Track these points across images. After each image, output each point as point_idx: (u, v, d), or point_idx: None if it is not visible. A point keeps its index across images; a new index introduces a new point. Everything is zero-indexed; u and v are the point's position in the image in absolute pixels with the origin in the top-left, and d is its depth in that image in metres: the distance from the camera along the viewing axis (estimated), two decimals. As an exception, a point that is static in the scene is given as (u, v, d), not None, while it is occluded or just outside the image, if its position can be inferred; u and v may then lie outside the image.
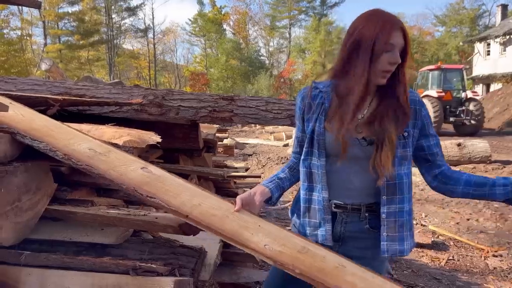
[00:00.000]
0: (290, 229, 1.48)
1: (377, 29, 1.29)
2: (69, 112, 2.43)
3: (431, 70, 17.43)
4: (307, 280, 1.19)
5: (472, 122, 15.88)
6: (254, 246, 1.26)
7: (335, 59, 1.47)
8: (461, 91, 16.70)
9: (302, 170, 1.50)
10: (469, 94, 16.51)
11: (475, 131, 15.86)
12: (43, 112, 2.19)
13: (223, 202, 1.45)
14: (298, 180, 1.60)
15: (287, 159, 10.14)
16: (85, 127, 2.01)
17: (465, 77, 17.35)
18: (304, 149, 1.49)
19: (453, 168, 1.51)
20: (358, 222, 1.44)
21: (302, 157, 1.50)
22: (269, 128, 16.99)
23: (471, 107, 15.93)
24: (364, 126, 1.38)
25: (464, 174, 1.43)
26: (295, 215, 1.59)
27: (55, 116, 2.20)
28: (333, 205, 1.44)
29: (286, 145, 13.38)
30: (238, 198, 1.41)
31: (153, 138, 1.99)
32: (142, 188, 1.47)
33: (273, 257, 1.23)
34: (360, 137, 1.38)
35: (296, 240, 1.32)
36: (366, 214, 1.43)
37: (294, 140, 1.60)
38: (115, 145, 1.80)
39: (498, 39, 27.03)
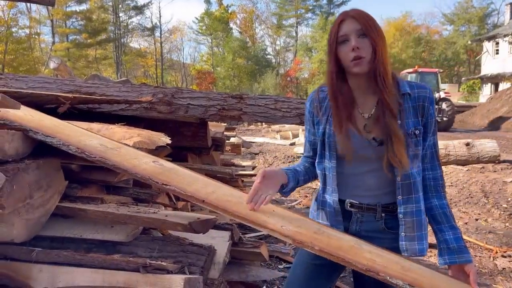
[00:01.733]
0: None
1: (331, 28, 1.37)
2: (79, 110, 2.45)
3: (409, 73, 18.66)
4: (327, 257, 1.21)
5: (444, 119, 17.27)
6: (272, 227, 1.29)
7: None
8: (435, 92, 17.91)
9: (318, 172, 1.51)
10: (442, 94, 17.92)
11: (447, 128, 17.25)
12: (53, 109, 2.21)
13: (235, 190, 1.49)
14: (311, 180, 1.60)
15: (294, 157, 10.11)
16: (95, 126, 2.02)
17: (439, 79, 18.74)
18: (318, 152, 1.49)
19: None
20: (374, 222, 1.43)
21: (317, 160, 1.50)
22: (276, 127, 16.97)
23: (444, 106, 17.40)
24: (373, 126, 1.38)
25: (432, 201, 1.42)
26: (312, 216, 1.59)
27: (65, 114, 2.21)
28: (349, 204, 1.44)
29: (292, 144, 13.36)
30: (262, 170, 1.38)
31: (163, 139, 2.00)
32: (157, 177, 1.51)
33: (291, 236, 1.26)
34: (370, 137, 1.37)
35: (311, 223, 1.37)
36: (383, 214, 1.42)
37: (305, 144, 1.59)
38: (125, 145, 1.82)
39: (507, 38, 26.76)
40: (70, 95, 2.29)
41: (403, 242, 1.39)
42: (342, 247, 1.25)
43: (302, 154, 1.64)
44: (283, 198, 6.35)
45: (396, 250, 1.40)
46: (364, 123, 1.38)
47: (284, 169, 1.50)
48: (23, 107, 1.90)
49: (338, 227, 1.44)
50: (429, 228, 1.48)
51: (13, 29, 37.62)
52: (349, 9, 1.36)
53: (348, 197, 1.44)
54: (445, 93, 18.62)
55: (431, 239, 1.47)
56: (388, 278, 1.17)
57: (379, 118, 1.36)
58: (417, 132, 1.36)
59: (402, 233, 1.39)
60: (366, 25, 1.30)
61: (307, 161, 1.59)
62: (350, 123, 1.37)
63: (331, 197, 1.45)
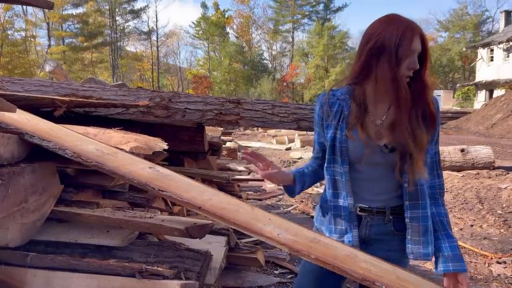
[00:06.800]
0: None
1: (399, 35, 1.29)
2: (75, 113, 2.43)
3: None
4: (323, 265, 1.22)
5: None
6: (269, 234, 1.30)
7: (350, 65, 1.46)
8: None
9: (326, 177, 1.51)
10: None
11: None
12: (50, 113, 2.19)
13: (231, 198, 1.49)
14: (317, 182, 1.63)
15: (290, 162, 10.11)
16: (92, 130, 2.01)
17: None
18: (326, 156, 1.49)
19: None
20: (383, 225, 1.44)
21: (326, 164, 1.50)
22: (272, 131, 16.99)
23: None
24: (386, 132, 1.38)
25: (430, 208, 1.42)
26: (319, 222, 1.58)
27: (61, 117, 2.20)
28: (358, 209, 1.45)
29: (288, 149, 13.37)
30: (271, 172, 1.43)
31: (160, 145, 2.00)
32: (153, 183, 1.50)
33: (288, 244, 1.27)
34: (381, 143, 1.38)
35: (307, 232, 1.37)
36: (391, 217, 1.43)
37: (315, 146, 1.59)
38: (121, 150, 1.81)
39: (501, 45, 27.01)
40: (66, 98, 2.28)
41: (409, 245, 1.41)
42: (338, 256, 1.25)
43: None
44: (279, 203, 6.35)
45: (405, 252, 1.42)
46: (376, 130, 1.39)
47: (293, 171, 1.53)
48: (19, 111, 1.89)
49: (353, 231, 1.45)
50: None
51: (9, 32, 37.53)
52: (414, 23, 1.33)
53: (358, 201, 1.45)
54: None
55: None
56: (383, 287, 1.17)
57: (392, 125, 1.37)
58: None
59: (409, 236, 1.41)
60: (426, 52, 1.32)
61: (315, 163, 1.60)
62: (362, 128, 1.39)
63: (346, 201, 1.45)
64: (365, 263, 1.26)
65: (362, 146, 1.38)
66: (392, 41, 1.29)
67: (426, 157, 1.38)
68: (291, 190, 1.53)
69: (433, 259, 1.45)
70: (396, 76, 1.29)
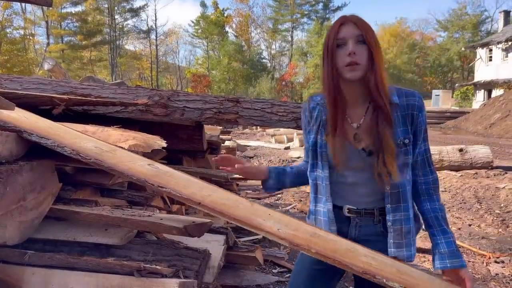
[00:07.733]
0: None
1: (330, 29, 1.34)
2: (74, 111, 2.43)
3: None
4: (324, 259, 1.22)
5: None
6: (268, 229, 1.31)
7: None
8: None
9: (310, 182, 1.51)
10: None
11: None
12: (48, 111, 2.19)
13: (230, 194, 1.49)
14: (300, 184, 1.64)
15: (288, 161, 10.11)
16: (90, 128, 2.01)
17: None
18: (309, 161, 1.49)
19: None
20: (372, 226, 1.44)
21: (309, 169, 1.50)
22: (270, 130, 16.98)
23: None
24: (364, 136, 1.37)
25: (425, 204, 1.43)
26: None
27: (60, 116, 2.20)
28: (347, 210, 1.44)
29: (287, 148, 13.37)
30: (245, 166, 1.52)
31: (159, 143, 2.00)
32: (152, 179, 1.51)
33: (288, 239, 1.28)
34: (359, 147, 1.37)
35: (307, 227, 1.37)
36: (380, 218, 1.43)
37: (304, 150, 1.59)
38: (120, 148, 1.80)
39: (500, 45, 27.04)
40: (65, 96, 2.27)
41: (391, 249, 1.39)
42: (338, 250, 1.26)
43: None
44: (277, 202, 6.34)
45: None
46: (354, 133, 1.37)
47: (268, 167, 1.58)
48: (17, 109, 1.89)
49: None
50: (424, 234, 1.48)
51: (8, 30, 37.42)
52: (348, 14, 1.34)
53: (346, 203, 1.44)
54: None
55: (427, 244, 1.48)
56: (384, 280, 1.18)
57: (371, 128, 1.35)
58: (406, 141, 1.35)
59: (391, 240, 1.39)
60: (366, 32, 1.29)
61: (305, 166, 1.60)
62: (341, 132, 1.36)
63: (325, 206, 1.44)
64: (365, 257, 1.26)
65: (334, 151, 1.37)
66: (329, 36, 1.33)
67: (398, 160, 1.33)
68: (264, 185, 1.58)
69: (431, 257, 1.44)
70: (329, 74, 1.32)
